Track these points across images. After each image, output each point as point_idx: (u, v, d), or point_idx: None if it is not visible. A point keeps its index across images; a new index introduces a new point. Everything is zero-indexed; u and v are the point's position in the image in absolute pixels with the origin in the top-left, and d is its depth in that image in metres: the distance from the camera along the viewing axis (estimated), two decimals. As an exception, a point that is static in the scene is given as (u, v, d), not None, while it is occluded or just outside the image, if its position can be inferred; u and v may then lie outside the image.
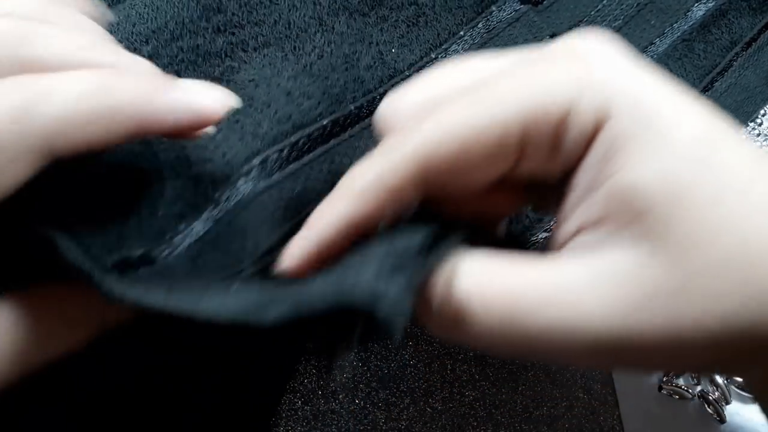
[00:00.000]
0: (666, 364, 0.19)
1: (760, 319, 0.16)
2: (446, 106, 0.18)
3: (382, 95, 0.27)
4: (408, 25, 0.30)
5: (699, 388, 0.32)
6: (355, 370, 0.31)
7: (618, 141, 0.17)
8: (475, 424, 0.30)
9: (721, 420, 0.31)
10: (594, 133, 0.17)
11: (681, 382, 0.32)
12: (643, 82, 0.17)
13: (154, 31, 0.26)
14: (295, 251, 0.19)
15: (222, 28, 0.27)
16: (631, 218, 0.17)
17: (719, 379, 0.32)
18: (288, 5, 0.28)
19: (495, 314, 0.17)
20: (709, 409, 0.31)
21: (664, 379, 0.32)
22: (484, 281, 0.17)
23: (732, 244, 0.16)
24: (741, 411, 0.31)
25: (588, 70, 0.18)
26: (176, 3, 0.26)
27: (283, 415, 0.30)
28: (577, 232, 0.18)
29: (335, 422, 0.30)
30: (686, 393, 0.31)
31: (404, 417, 0.30)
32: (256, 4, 0.28)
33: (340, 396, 0.30)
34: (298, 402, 0.30)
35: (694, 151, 0.16)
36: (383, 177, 0.18)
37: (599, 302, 0.16)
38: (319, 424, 0.30)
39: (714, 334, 0.16)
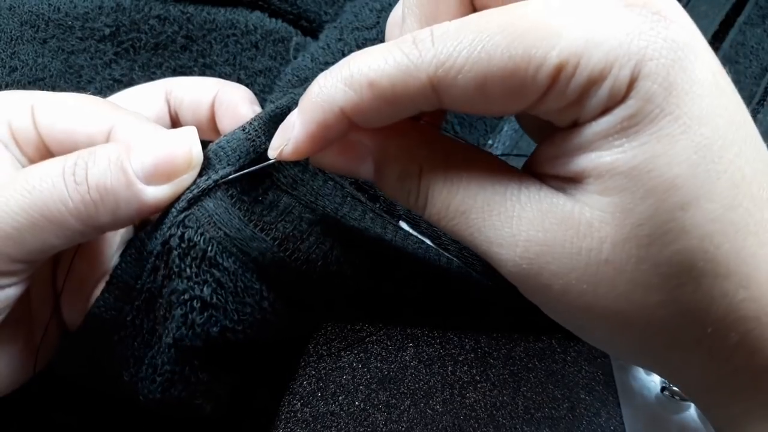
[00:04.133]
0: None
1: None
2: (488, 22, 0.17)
3: None
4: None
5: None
6: (354, 371, 0.30)
7: (643, 119, 0.17)
8: (476, 425, 0.30)
9: (723, 421, 0.31)
10: (625, 94, 0.17)
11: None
12: (681, 68, 0.17)
13: None
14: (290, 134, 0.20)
15: None
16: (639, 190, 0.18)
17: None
18: None
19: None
20: (711, 410, 0.31)
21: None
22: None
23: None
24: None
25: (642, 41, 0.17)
26: None
27: (282, 417, 0.29)
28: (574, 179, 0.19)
29: (335, 424, 0.29)
30: (688, 394, 0.31)
31: (404, 419, 0.30)
32: None
33: (340, 398, 0.30)
34: (297, 404, 0.30)
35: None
36: (404, 75, 0.18)
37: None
38: (319, 426, 0.29)
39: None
